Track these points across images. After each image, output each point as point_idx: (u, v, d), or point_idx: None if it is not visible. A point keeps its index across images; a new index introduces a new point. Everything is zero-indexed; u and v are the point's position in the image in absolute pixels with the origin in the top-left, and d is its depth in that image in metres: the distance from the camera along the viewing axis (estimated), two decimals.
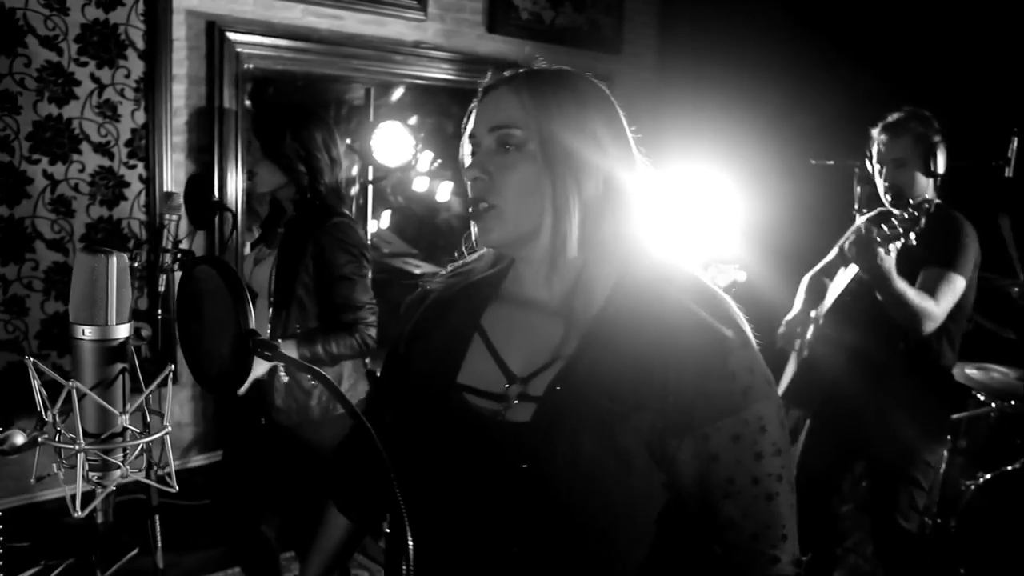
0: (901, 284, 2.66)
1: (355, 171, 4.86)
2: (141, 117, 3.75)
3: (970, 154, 3.58)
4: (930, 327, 2.76)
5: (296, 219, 2.60)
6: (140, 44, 3.71)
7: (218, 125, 3.91)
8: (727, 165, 4.61)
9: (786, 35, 4.95)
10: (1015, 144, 3.60)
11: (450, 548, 1.19)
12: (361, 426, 0.90)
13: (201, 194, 2.54)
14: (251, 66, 4.02)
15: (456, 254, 1.37)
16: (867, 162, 3.10)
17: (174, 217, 2.57)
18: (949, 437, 3.26)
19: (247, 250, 2.83)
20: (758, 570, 1.13)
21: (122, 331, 1.02)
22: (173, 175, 3.81)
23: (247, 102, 4.14)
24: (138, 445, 1.02)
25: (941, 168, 2.92)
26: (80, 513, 0.98)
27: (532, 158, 1.16)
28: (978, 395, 3.44)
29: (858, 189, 4.09)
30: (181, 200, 2.58)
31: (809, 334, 3.20)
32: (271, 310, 2.59)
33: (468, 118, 1.25)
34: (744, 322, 1.15)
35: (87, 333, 1.01)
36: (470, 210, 1.20)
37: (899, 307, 2.71)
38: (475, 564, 1.17)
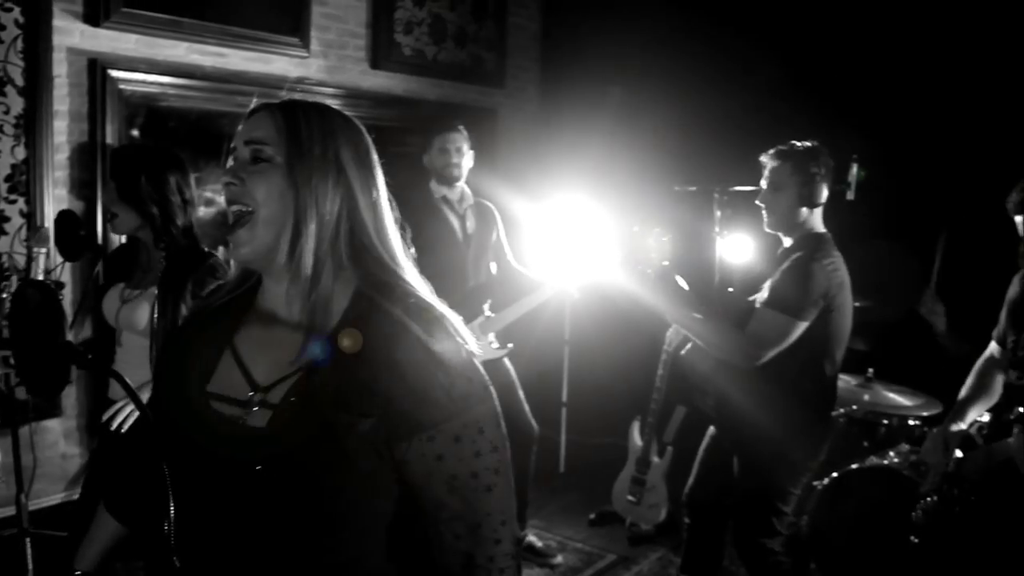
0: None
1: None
2: (21, 153, 3.81)
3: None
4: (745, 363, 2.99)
5: (173, 263, 2.71)
6: (20, 81, 3.77)
7: (100, 161, 3.96)
8: (603, 193, 4.89)
9: (655, 71, 5.28)
10: (854, 169, 3.95)
11: (198, 544, 1.31)
12: (151, 428, 1.06)
13: (71, 228, 2.64)
14: (135, 103, 4.11)
15: None
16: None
17: (43, 250, 2.68)
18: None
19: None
20: (482, 552, 1.31)
21: None
22: (55, 209, 3.80)
23: (135, 134, 4.21)
24: None
25: (820, 199, 3.08)
26: None
27: (280, 171, 1.28)
28: None
29: (718, 213, 4.40)
30: (50, 233, 2.69)
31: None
32: (152, 346, 2.69)
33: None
34: (463, 335, 1.31)
35: None
36: (228, 222, 1.30)
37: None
38: (217, 558, 1.31)
